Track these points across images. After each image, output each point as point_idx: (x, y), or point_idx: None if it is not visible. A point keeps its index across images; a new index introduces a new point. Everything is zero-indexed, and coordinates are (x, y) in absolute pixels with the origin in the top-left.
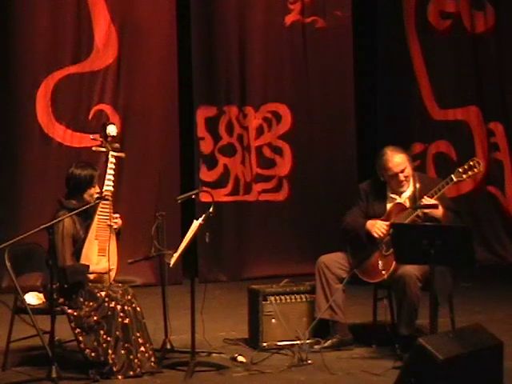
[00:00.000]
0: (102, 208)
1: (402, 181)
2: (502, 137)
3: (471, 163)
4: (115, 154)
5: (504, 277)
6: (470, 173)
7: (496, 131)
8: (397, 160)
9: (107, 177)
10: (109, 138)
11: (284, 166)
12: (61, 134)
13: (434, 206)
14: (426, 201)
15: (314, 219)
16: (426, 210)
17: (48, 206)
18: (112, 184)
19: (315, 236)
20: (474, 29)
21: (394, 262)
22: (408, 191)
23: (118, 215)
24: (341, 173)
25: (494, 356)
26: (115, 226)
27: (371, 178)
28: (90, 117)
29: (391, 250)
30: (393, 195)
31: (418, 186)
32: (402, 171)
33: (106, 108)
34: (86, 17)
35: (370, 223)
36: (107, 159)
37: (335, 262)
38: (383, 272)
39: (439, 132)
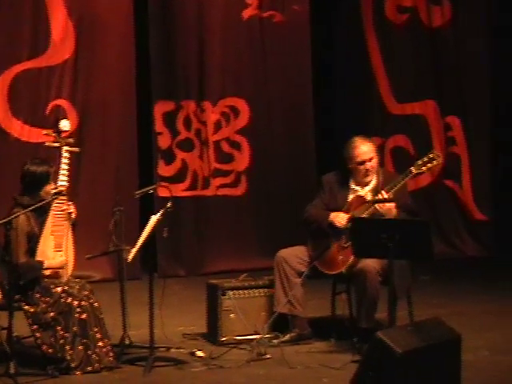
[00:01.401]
0: (58, 204)
1: (367, 170)
2: (459, 131)
3: (431, 155)
4: (69, 149)
5: (462, 270)
6: (429, 165)
7: (453, 125)
8: (365, 148)
9: (61, 172)
10: (62, 133)
11: (242, 160)
12: (18, 129)
13: (390, 201)
14: (382, 195)
15: (273, 214)
16: (379, 209)
17: (5, 202)
18: (66, 179)
19: (274, 230)
20: (432, 23)
21: (353, 256)
22: (371, 184)
23: (71, 203)
24: (299, 167)
25: (452, 349)
26: (73, 215)
27: (336, 169)
28: (47, 112)
29: (349, 242)
30: (356, 187)
31: (381, 179)
32: (370, 160)
33: (64, 103)
34: (43, 11)
35: (333, 214)
36: (61, 154)
37: (294, 256)
38: (342, 264)
39: (397, 126)
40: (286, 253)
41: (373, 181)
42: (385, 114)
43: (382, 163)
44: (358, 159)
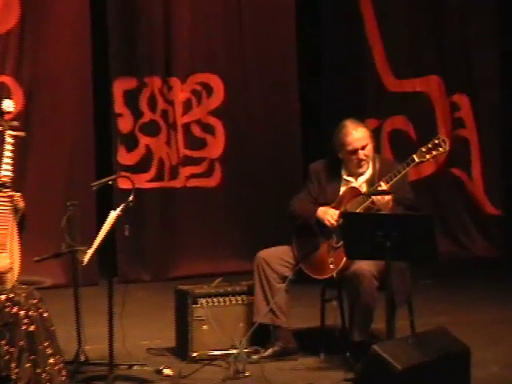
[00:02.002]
0: (0, 197)
1: (361, 159)
2: (468, 111)
3: (436, 141)
4: (13, 133)
5: (471, 272)
6: (434, 152)
7: (461, 104)
8: (358, 134)
9: (4, 160)
10: (5, 115)
11: (216, 146)
12: None
13: (390, 193)
14: (380, 187)
15: (252, 208)
16: (376, 201)
17: None
18: (11, 168)
19: (254, 227)
20: None
21: (345, 257)
22: (366, 174)
23: (19, 194)
24: (283, 154)
25: (460, 364)
26: (20, 205)
27: (326, 157)
28: None
29: (341, 242)
30: (348, 178)
31: (377, 168)
32: (363, 148)
33: (7, 80)
34: None
35: (321, 210)
36: (4, 139)
37: (277, 257)
38: (332, 267)
39: (395, 106)
40: (267, 254)
41: (368, 170)
42: (381, 91)
43: (378, 149)
44: (350, 148)
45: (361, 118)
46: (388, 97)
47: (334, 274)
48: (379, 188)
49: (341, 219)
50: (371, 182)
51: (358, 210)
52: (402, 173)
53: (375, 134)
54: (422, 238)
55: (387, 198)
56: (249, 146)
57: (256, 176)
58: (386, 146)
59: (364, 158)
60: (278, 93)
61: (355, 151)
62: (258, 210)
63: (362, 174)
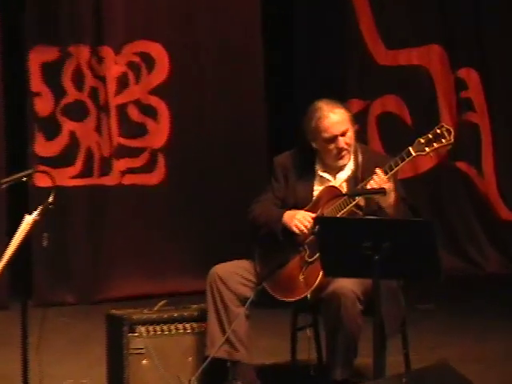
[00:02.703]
0: None
1: (342, 148)
2: (478, 90)
3: (438, 131)
4: None
5: (481, 293)
6: (435, 145)
7: (469, 81)
8: (336, 117)
9: None
10: None
11: (159, 133)
12: None
13: (381, 192)
14: (376, 179)
15: (204, 212)
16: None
17: None
18: None
19: (206, 237)
20: None
21: (321, 273)
22: (347, 169)
23: None
24: (243, 143)
25: None
26: None
27: (294, 148)
28: None
29: (316, 255)
30: (324, 174)
31: (360, 161)
32: (344, 134)
33: None
34: None
35: (288, 215)
36: None
37: (236, 274)
38: (305, 286)
39: (386, 83)
40: (223, 270)
41: (349, 164)
42: (368, 65)
43: (363, 138)
44: (326, 135)
45: (341, 99)
46: (377, 72)
47: (308, 296)
48: (374, 183)
49: (316, 225)
50: (354, 180)
51: (337, 215)
52: (398, 167)
53: (360, 119)
54: (420, 250)
55: (387, 186)
56: (200, 133)
57: (209, 172)
58: (373, 134)
59: (345, 146)
60: (238, 66)
61: (333, 138)
62: (211, 215)
63: (341, 169)
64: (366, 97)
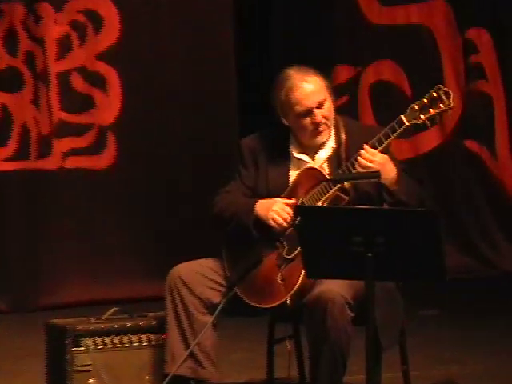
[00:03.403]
0: None
1: (318, 123)
2: (490, 54)
3: (434, 94)
4: None
5: (494, 297)
6: (432, 111)
7: (479, 44)
8: (310, 86)
9: None
10: None
11: (108, 107)
12: None
13: (374, 175)
14: (365, 155)
15: (164, 201)
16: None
17: None
18: None
19: (166, 231)
20: None
21: (303, 273)
22: (327, 148)
23: None
24: (210, 120)
25: None
26: None
27: (265, 128)
28: None
29: (297, 251)
30: (301, 156)
31: (343, 138)
32: (320, 105)
33: None
34: None
35: (262, 205)
36: None
37: (201, 275)
38: (284, 290)
39: (381, 46)
40: (186, 270)
41: (329, 142)
42: (359, 24)
43: (354, 111)
44: (299, 108)
45: (326, 66)
46: (370, 32)
47: (288, 301)
48: (363, 159)
49: (296, 217)
50: (336, 160)
51: (320, 203)
52: (388, 140)
53: (350, 89)
54: (422, 245)
55: (378, 158)
56: (158, 107)
57: (168, 153)
58: (365, 107)
59: (323, 120)
60: (204, 28)
61: (308, 112)
62: (171, 205)
63: (320, 148)
64: (356, 63)
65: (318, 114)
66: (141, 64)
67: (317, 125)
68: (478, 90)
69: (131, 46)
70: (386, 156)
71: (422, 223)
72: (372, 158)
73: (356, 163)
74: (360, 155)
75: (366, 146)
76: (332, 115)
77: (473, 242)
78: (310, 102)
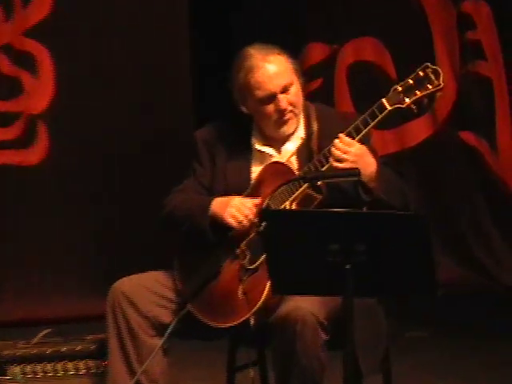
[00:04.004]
0: None
1: (284, 111)
2: (490, 30)
3: (421, 74)
4: None
5: (496, 316)
6: (418, 93)
7: (477, 18)
8: (273, 68)
9: None
10: None
11: (39, 92)
12: None
13: (353, 174)
14: (339, 145)
15: (105, 203)
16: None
17: None
18: None
19: (106, 238)
20: None
21: (268, 286)
22: (295, 139)
23: None
24: (160, 106)
25: None
26: None
27: (222, 118)
28: None
29: (261, 259)
30: (265, 148)
31: (315, 128)
32: (285, 90)
33: None
34: None
35: (219, 203)
36: None
37: (149, 291)
38: (247, 306)
39: (361, 21)
40: (131, 285)
41: (298, 132)
42: None
43: (329, 96)
44: (261, 93)
45: (297, 43)
46: (347, 4)
47: (251, 320)
48: (333, 152)
49: (261, 221)
50: (306, 152)
51: (288, 204)
52: (368, 127)
53: (324, 70)
54: (410, 255)
55: (355, 149)
56: (99, 92)
57: (111, 146)
58: (342, 92)
59: (289, 107)
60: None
61: (272, 97)
62: (114, 207)
63: (287, 140)
64: (332, 40)
65: (283, 100)
66: (76, 42)
67: (281, 113)
68: (475, 71)
69: (65, 21)
70: (363, 147)
71: (410, 229)
72: (347, 149)
73: (329, 155)
74: (334, 145)
75: (340, 135)
76: (300, 101)
77: (470, 251)
78: (274, 86)
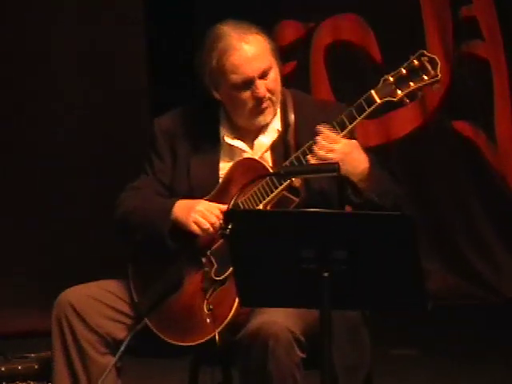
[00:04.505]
0: None
1: (262, 98)
2: (488, 5)
3: (416, 62)
4: None
5: (495, 332)
6: (412, 84)
7: None
8: (251, 49)
9: None
10: None
11: None
12: None
13: (331, 168)
14: (322, 142)
15: (46, 203)
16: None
17: None
18: None
19: (49, 244)
20: None
21: (237, 301)
22: (270, 131)
23: None
24: (109, 88)
25: None
26: None
27: (185, 105)
28: None
29: (229, 271)
30: (235, 142)
31: (292, 119)
32: (264, 75)
33: None
34: None
35: (182, 206)
36: None
37: (99, 303)
38: (212, 322)
39: None
40: (79, 296)
41: (273, 123)
42: None
43: (305, 82)
44: (236, 77)
45: (267, 21)
46: None
47: (217, 337)
48: (315, 150)
49: (227, 223)
50: (283, 148)
51: (261, 207)
52: (357, 120)
53: (299, 52)
54: (394, 261)
55: (341, 146)
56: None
57: (58, 139)
58: (319, 76)
59: (267, 94)
60: None
61: (249, 83)
62: (56, 208)
63: (261, 132)
64: (307, 17)
65: (261, 86)
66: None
67: (259, 100)
68: (470, 53)
69: None
70: (352, 142)
71: (395, 231)
72: (332, 146)
73: (310, 154)
74: (316, 143)
75: (323, 130)
76: (279, 88)
77: (465, 259)
78: (252, 70)
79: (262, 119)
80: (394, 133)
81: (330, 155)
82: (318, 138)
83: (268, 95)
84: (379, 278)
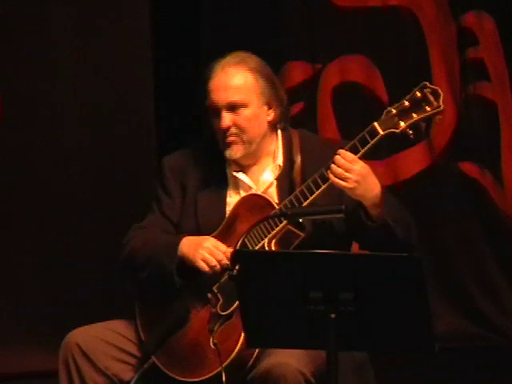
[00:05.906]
0: None
1: (224, 130)
2: (495, 46)
3: (418, 94)
4: None
5: (499, 376)
6: (415, 116)
7: (480, 33)
8: (224, 79)
9: None
10: None
11: None
12: None
13: (337, 210)
14: (340, 161)
15: (52, 237)
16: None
17: None
18: None
19: (55, 283)
20: None
21: (243, 336)
22: (269, 170)
23: None
24: (113, 124)
25: None
26: None
27: (193, 144)
28: None
29: (235, 305)
30: (240, 175)
31: (298, 159)
32: (231, 108)
33: None
34: None
35: (189, 243)
36: None
37: (106, 343)
38: (217, 358)
39: (348, 37)
40: (86, 337)
41: (277, 159)
42: (321, 7)
43: (311, 122)
44: (207, 103)
45: (275, 62)
46: (333, 18)
47: (223, 374)
48: (331, 174)
49: (234, 264)
50: (288, 183)
51: (266, 242)
52: (360, 154)
53: (307, 92)
54: (401, 303)
55: (359, 167)
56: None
57: (59, 171)
58: (326, 116)
59: (233, 129)
60: None
61: (217, 111)
62: (62, 245)
63: (261, 167)
64: (315, 58)
65: (226, 119)
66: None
67: (224, 133)
68: (477, 94)
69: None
70: (367, 166)
71: (405, 273)
72: (350, 166)
73: (326, 172)
74: (334, 162)
75: (342, 151)
76: (253, 129)
77: (472, 300)
78: (218, 99)
79: (228, 153)
80: (402, 174)
81: (348, 174)
82: (337, 157)
83: (234, 130)
84: (387, 319)
